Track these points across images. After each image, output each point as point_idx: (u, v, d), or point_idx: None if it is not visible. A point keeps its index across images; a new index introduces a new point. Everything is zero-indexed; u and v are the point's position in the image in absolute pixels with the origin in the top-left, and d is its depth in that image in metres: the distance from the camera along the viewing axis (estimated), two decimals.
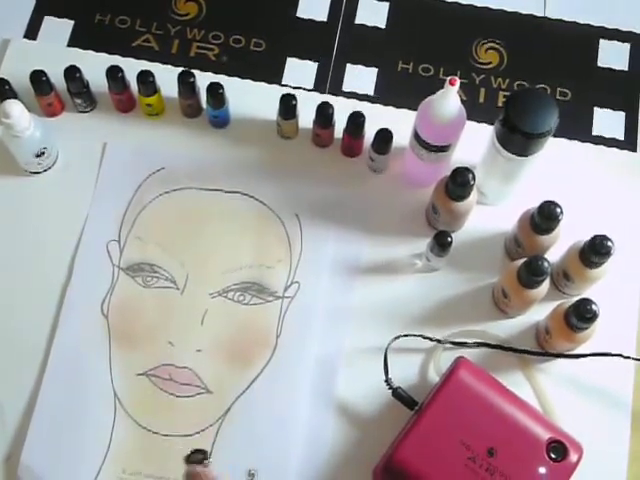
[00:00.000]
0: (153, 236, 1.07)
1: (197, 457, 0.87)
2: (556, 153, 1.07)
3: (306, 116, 1.10)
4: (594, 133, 1.16)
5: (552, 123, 0.92)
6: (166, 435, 0.99)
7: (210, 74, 1.15)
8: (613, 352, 0.99)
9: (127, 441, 0.98)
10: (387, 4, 1.23)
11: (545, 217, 0.96)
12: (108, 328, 1.03)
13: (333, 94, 1.17)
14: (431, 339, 1.01)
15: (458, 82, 0.92)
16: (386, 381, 0.97)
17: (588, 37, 1.22)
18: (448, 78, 0.92)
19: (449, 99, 0.94)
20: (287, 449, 0.98)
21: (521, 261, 0.96)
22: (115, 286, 1.05)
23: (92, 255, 1.06)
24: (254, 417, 0.99)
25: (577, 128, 1.16)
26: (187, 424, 0.99)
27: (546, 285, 0.97)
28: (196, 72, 1.10)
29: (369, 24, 1.22)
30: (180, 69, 1.09)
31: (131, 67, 1.10)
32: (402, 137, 1.06)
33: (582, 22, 1.22)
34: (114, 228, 1.07)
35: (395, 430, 0.95)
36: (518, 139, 0.93)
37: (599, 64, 1.20)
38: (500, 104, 1.16)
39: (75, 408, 0.99)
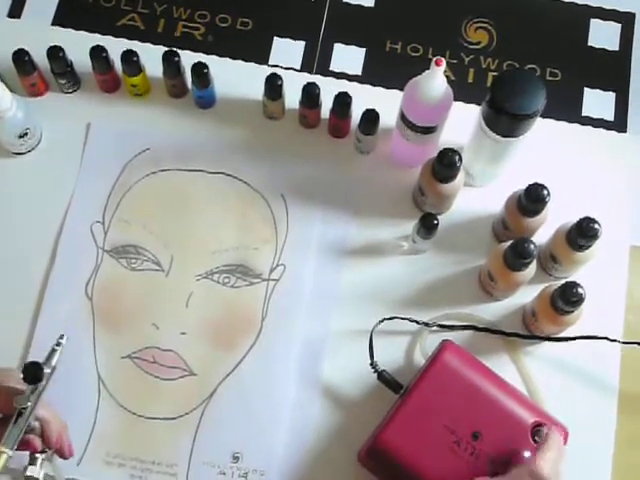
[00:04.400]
0: (138, 218, 1.06)
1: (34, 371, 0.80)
2: (545, 134, 1.07)
3: (293, 96, 1.09)
4: (584, 114, 1.15)
5: (539, 104, 0.91)
6: (150, 418, 0.98)
7: (196, 53, 1.14)
8: (600, 335, 0.99)
9: (111, 424, 0.98)
10: None
11: (532, 199, 0.95)
12: (92, 310, 1.02)
13: (320, 74, 1.15)
14: (417, 322, 1.00)
15: (444, 63, 0.91)
16: (371, 364, 0.97)
17: (579, 16, 1.20)
18: (434, 58, 0.91)
19: (435, 80, 0.93)
20: (272, 432, 0.98)
21: (507, 243, 0.95)
22: (99, 268, 1.04)
23: (76, 237, 1.05)
24: (239, 400, 0.99)
25: (567, 109, 1.15)
26: (171, 407, 0.99)
27: (533, 268, 0.96)
28: (182, 52, 1.08)
29: (357, 3, 1.20)
30: (165, 48, 1.08)
31: (116, 46, 1.09)
32: (390, 118, 1.05)
33: (572, 1, 1.21)
34: (98, 210, 1.06)
35: (380, 413, 0.95)
36: (504, 120, 0.93)
37: (590, 44, 1.19)
38: (489, 84, 1.15)
39: (59, 391, 0.98)
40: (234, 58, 1.15)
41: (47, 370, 0.83)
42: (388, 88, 1.13)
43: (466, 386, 0.91)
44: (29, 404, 0.80)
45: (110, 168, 1.08)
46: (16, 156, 1.08)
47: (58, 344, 0.86)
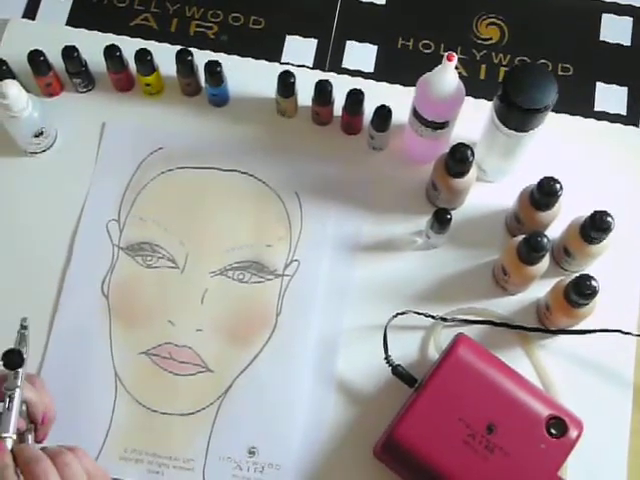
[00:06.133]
0: (153, 215, 1.07)
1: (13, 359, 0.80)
2: (557, 128, 1.07)
3: (305, 94, 1.09)
4: (596, 108, 1.15)
5: (551, 98, 0.91)
6: (167, 414, 0.99)
7: (209, 52, 1.14)
8: (613, 328, 0.99)
9: (128, 420, 0.99)
10: None
11: (544, 193, 0.95)
12: (108, 308, 1.03)
13: (333, 71, 1.16)
14: (431, 316, 1.01)
15: (456, 58, 0.91)
16: (386, 359, 0.97)
17: (590, 11, 1.20)
18: (445, 54, 0.91)
19: (447, 75, 0.94)
20: (288, 426, 0.98)
21: (521, 237, 0.96)
22: (115, 266, 1.05)
23: (92, 235, 1.06)
24: (255, 395, 0.99)
25: (579, 103, 1.15)
26: (188, 402, 0.99)
27: (546, 261, 0.97)
28: (195, 50, 1.09)
29: (369, 0, 1.21)
30: (178, 47, 1.09)
31: (129, 46, 1.10)
32: (402, 114, 1.05)
33: None
34: (114, 208, 1.07)
35: (395, 408, 0.95)
36: (516, 115, 0.93)
37: (601, 38, 1.19)
38: (501, 80, 1.15)
39: (76, 388, 0.99)
40: (247, 56, 1.16)
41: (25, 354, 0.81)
42: (400, 84, 1.14)
43: (480, 379, 0.92)
44: (17, 388, 0.79)
45: (125, 166, 1.09)
46: (32, 155, 1.09)
47: (23, 327, 0.83)
